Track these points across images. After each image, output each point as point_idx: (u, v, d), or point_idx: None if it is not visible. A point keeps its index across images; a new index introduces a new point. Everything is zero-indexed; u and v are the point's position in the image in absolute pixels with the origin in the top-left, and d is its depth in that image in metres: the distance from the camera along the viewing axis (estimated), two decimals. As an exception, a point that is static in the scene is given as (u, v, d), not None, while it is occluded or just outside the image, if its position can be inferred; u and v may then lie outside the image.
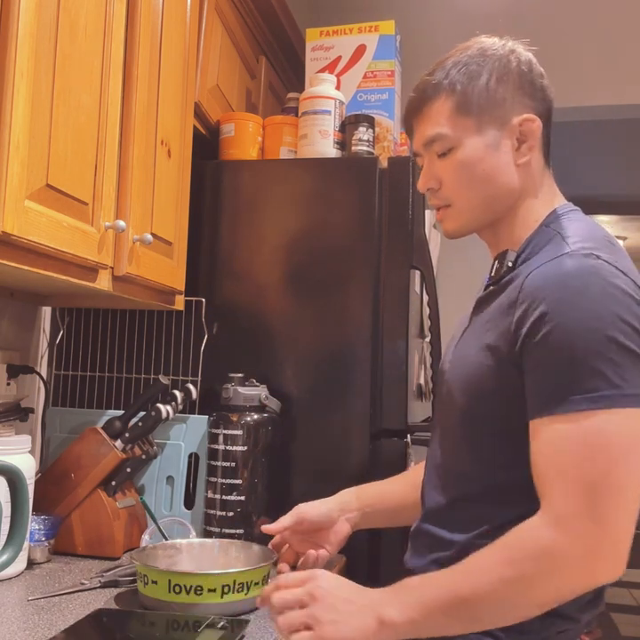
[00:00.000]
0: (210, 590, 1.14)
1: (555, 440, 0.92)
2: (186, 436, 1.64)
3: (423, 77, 1.11)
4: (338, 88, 1.90)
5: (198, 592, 1.14)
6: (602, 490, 0.88)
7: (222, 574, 1.17)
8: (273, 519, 1.54)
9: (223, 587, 1.15)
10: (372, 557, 1.62)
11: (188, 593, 1.14)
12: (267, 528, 1.24)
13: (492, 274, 1.08)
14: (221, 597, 1.14)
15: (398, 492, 1.28)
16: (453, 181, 1.08)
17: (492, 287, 1.08)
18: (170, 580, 1.15)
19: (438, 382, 1.20)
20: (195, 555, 1.34)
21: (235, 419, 1.54)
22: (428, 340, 1.92)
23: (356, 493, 1.28)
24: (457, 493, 1.05)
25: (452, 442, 1.09)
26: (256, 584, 1.18)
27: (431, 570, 1.01)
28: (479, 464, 1.03)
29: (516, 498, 0.97)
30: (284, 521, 1.23)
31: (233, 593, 1.15)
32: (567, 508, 0.89)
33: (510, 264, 1.05)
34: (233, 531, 1.50)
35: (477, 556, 0.93)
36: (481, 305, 1.10)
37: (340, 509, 1.25)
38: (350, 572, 1.58)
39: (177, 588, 1.14)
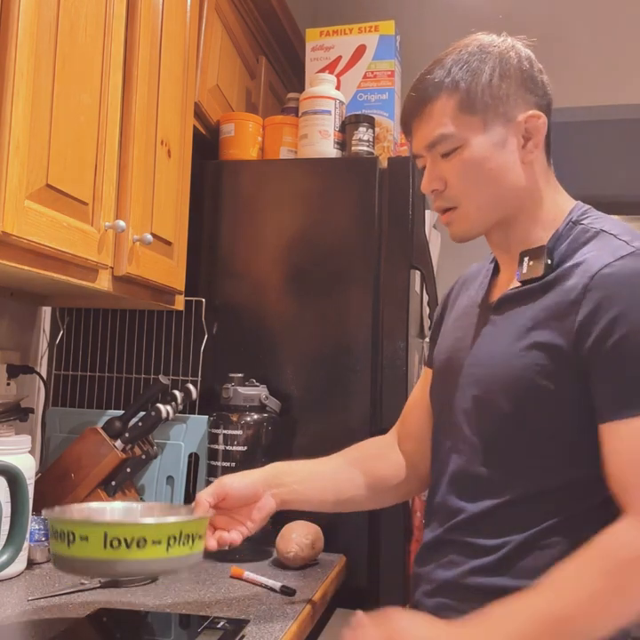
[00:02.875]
0: (154, 542, 0.98)
1: (635, 442, 0.90)
2: (186, 436, 1.64)
3: (422, 76, 1.07)
4: (338, 88, 1.90)
5: (141, 545, 0.97)
6: None
7: (168, 524, 1.02)
8: (273, 519, 1.54)
9: (169, 538, 0.99)
10: (372, 557, 1.62)
11: (128, 546, 0.97)
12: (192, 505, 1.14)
13: (525, 271, 1.04)
14: (167, 551, 0.99)
15: (329, 473, 1.22)
16: (460, 182, 1.05)
17: (524, 286, 1.04)
18: (106, 533, 0.97)
19: (447, 388, 1.13)
20: (108, 516, 1.17)
21: (235, 419, 1.54)
22: (427, 339, 1.92)
23: (285, 468, 1.21)
24: (496, 500, 1.00)
25: (494, 448, 1.02)
26: (200, 537, 1.05)
27: (469, 580, 0.99)
28: (524, 468, 0.98)
29: (562, 501, 0.96)
30: (206, 496, 1.13)
31: (179, 545, 1.00)
32: None
33: (549, 261, 1.01)
34: (233, 531, 1.50)
35: (565, 571, 0.89)
36: (507, 303, 1.06)
37: (265, 483, 1.15)
38: (350, 571, 1.58)
39: (115, 543, 0.96)
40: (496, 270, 1.17)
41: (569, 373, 0.95)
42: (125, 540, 0.96)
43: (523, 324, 1.01)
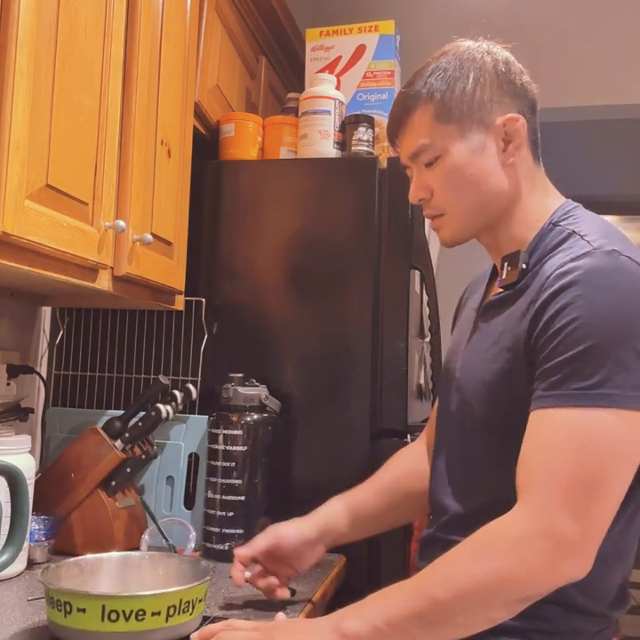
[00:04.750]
0: (154, 614, 0.96)
1: (548, 432, 0.91)
2: (186, 435, 1.64)
3: (402, 90, 1.10)
4: (338, 88, 1.90)
5: (140, 617, 0.95)
6: (587, 487, 0.87)
7: (168, 594, 0.99)
8: (273, 519, 1.54)
9: (169, 608, 0.97)
10: (372, 557, 1.62)
11: (126, 619, 0.95)
12: (240, 552, 1.17)
13: (504, 277, 1.06)
14: (166, 621, 0.97)
15: (371, 504, 1.24)
16: (443, 189, 1.07)
17: (505, 291, 1.06)
18: (104, 606, 0.95)
19: (444, 391, 1.17)
20: (105, 573, 1.15)
21: (235, 419, 1.54)
22: (427, 339, 1.92)
23: (332, 517, 1.23)
24: (481, 501, 1.02)
25: (473, 452, 1.05)
26: (200, 601, 1.04)
27: None
28: (505, 472, 0.97)
29: None
30: (259, 544, 1.17)
31: (179, 614, 0.99)
32: (549, 499, 0.87)
33: (524, 266, 1.02)
34: (233, 531, 1.50)
35: (447, 555, 0.91)
36: (491, 309, 1.08)
37: (318, 536, 1.20)
38: (350, 571, 1.58)
39: (113, 615, 0.95)
40: (494, 273, 1.17)
41: (528, 374, 0.96)
42: (123, 613, 0.95)
43: (496, 329, 1.04)
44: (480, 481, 1.04)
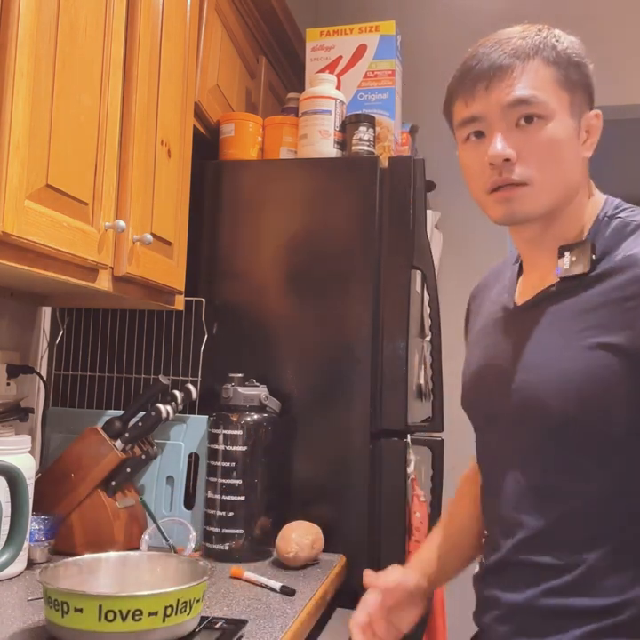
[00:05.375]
0: (151, 614, 0.96)
1: None
2: (186, 435, 1.64)
3: (505, 38, 0.99)
4: (338, 88, 1.90)
5: (137, 617, 0.95)
6: None
7: (165, 594, 0.99)
8: (273, 519, 1.54)
9: (166, 608, 0.97)
10: (372, 557, 1.62)
11: (123, 619, 0.95)
12: (370, 578, 1.11)
13: (566, 267, 0.98)
14: (163, 621, 0.97)
15: (454, 556, 1.17)
16: (540, 155, 0.96)
17: (567, 282, 0.98)
18: (101, 606, 0.95)
19: (489, 402, 1.05)
20: (103, 573, 1.15)
21: (235, 419, 1.54)
22: (428, 339, 1.92)
23: (425, 565, 1.16)
24: (559, 513, 0.94)
25: (548, 456, 0.96)
26: (197, 601, 1.03)
27: (542, 601, 0.93)
28: (591, 476, 0.92)
29: (634, 508, 0.91)
30: (391, 579, 1.10)
31: (176, 614, 0.99)
32: None
33: (594, 257, 0.95)
34: (233, 531, 1.50)
35: None
36: (548, 301, 1.00)
37: (418, 581, 1.12)
38: (350, 571, 1.58)
39: (110, 615, 0.95)
40: (520, 271, 1.11)
41: (633, 371, 0.90)
42: (121, 613, 0.95)
43: (571, 322, 0.96)
44: (560, 490, 0.95)
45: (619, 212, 1.00)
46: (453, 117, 1.03)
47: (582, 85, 0.99)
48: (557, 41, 0.98)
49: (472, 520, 1.17)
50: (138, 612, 0.95)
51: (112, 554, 1.20)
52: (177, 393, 1.60)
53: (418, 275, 1.80)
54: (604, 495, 0.92)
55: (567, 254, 0.98)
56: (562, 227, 1.01)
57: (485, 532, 1.09)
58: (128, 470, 1.53)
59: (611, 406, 0.91)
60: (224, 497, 1.51)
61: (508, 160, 0.95)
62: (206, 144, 1.84)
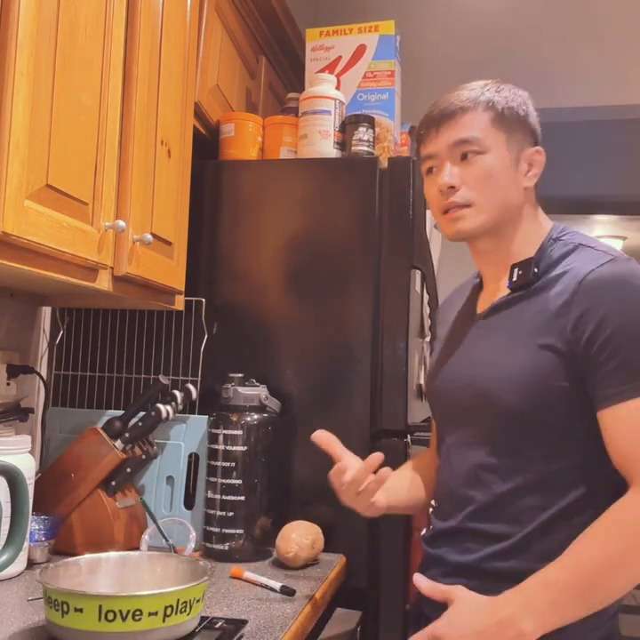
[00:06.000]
0: (151, 614, 0.96)
1: (634, 421, 1.01)
2: (186, 435, 1.64)
3: (456, 91, 1.19)
4: (338, 88, 1.90)
5: (137, 617, 0.96)
6: None
7: (165, 594, 0.99)
8: (273, 519, 1.55)
9: (166, 608, 0.98)
10: (372, 557, 1.62)
11: (123, 619, 0.95)
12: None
13: (514, 279, 1.15)
14: (163, 621, 0.98)
15: (410, 481, 1.34)
16: (477, 182, 1.15)
17: (515, 293, 1.15)
18: (101, 606, 0.95)
19: (446, 394, 1.22)
20: (103, 573, 1.15)
21: (235, 419, 1.54)
22: (428, 339, 1.92)
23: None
24: (504, 489, 1.10)
25: (496, 441, 1.12)
26: (197, 601, 1.04)
27: (487, 563, 1.09)
28: (531, 458, 1.08)
29: (568, 485, 1.07)
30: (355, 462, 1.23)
31: (176, 614, 0.99)
32: None
33: (536, 270, 1.13)
34: (233, 531, 1.50)
35: (581, 542, 1.00)
36: (500, 310, 1.17)
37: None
38: (350, 571, 1.58)
39: (110, 615, 0.95)
40: (480, 286, 1.27)
41: (567, 370, 1.06)
42: (120, 613, 0.95)
43: (518, 327, 1.13)
44: (505, 468, 1.11)
45: (563, 235, 1.18)
46: (419, 155, 1.23)
47: (519, 125, 1.17)
48: (497, 92, 1.17)
49: (427, 471, 1.32)
50: (138, 612, 0.96)
51: (112, 554, 1.20)
52: (177, 393, 1.60)
53: (418, 275, 1.80)
54: (544, 475, 1.08)
55: (515, 270, 1.17)
56: (509, 245, 1.19)
57: (434, 504, 1.23)
58: (128, 470, 1.54)
59: (553, 399, 1.07)
60: (224, 497, 1.51)
61: (452, 187, 1.15)
62: (206, 144, 1.84)
